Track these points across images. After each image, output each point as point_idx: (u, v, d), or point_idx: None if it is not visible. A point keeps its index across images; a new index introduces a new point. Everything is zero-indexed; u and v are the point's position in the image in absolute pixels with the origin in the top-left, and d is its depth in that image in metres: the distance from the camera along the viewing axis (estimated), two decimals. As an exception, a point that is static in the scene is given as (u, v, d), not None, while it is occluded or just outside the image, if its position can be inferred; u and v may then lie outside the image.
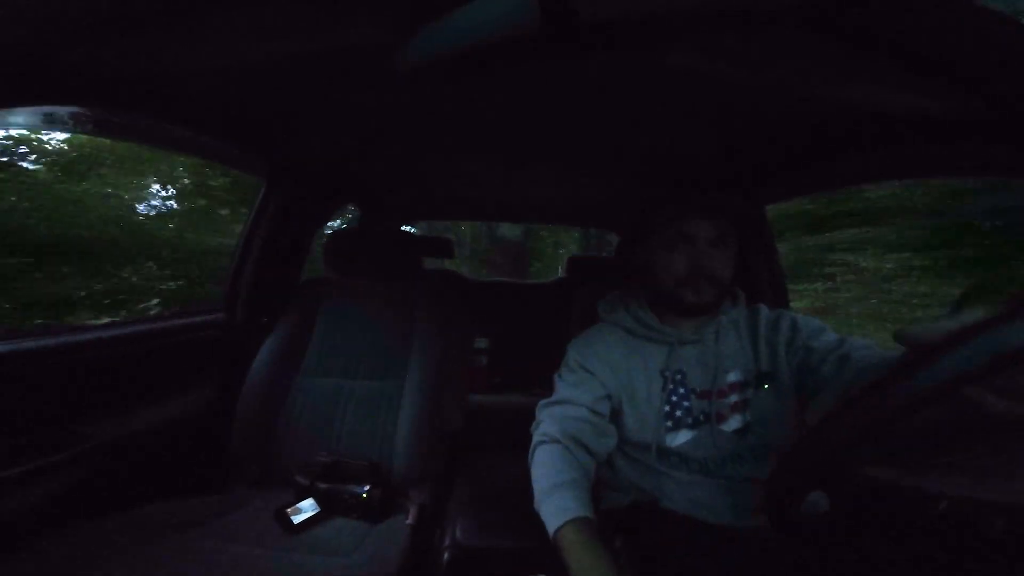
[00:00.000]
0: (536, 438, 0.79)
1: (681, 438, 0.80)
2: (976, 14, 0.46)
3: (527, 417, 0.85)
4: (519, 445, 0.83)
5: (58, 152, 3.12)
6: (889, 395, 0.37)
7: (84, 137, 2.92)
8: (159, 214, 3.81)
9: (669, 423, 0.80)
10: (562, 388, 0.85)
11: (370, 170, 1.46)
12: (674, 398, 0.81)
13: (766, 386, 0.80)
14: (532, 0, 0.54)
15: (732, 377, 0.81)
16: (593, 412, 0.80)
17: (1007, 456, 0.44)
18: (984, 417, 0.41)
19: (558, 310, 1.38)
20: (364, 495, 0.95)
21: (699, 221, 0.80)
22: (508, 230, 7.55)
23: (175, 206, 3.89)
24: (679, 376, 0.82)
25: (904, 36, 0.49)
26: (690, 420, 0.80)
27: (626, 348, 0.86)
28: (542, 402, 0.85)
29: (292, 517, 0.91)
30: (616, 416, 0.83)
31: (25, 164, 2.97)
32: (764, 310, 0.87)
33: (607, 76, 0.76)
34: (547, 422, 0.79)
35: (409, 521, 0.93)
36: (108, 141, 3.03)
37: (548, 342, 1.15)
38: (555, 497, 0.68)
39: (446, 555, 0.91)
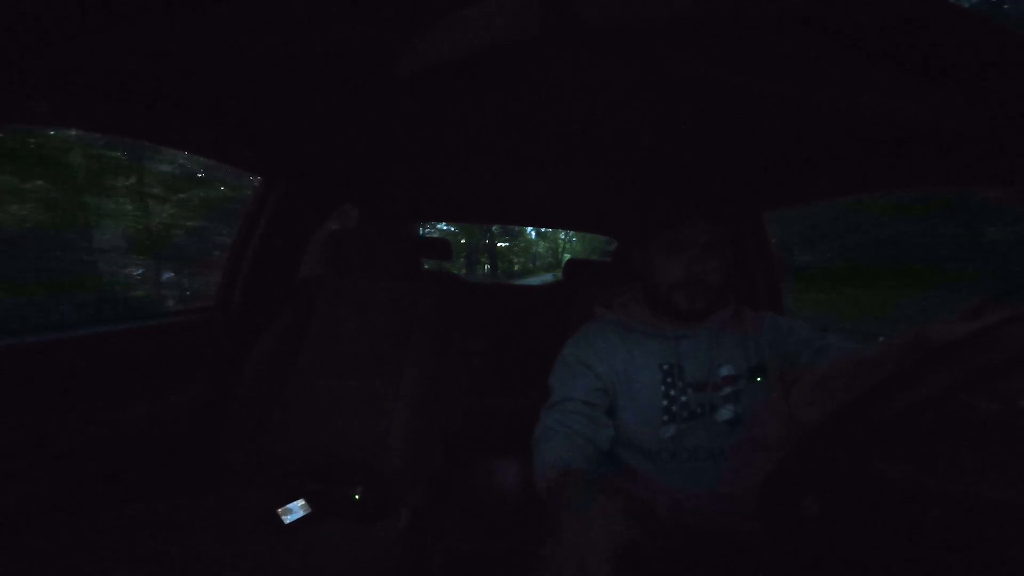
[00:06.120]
0: (536, 433, 0.80)
1: (676, 430, 0.81)
2: (977, 25, 0.46)
3: (524, 420, 0.85)
4: (516, 448, 0.83)
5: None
6: (890, 398, 0.38)
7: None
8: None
9: (666, 417, 0.81)
10: (557, 389, 0.86)
11: (369, 169, 1.46)
12: (672, 392, 0.82)
13: (759, 379, 0.82)
14: (533, 3, 0.54)
15: (725, 371, 0.83)
16: (586, 404, 0.81)
17: (998, 457, 0.45)
18: (977, 420, 0.41)
19: (556, 313, 1.38)
20: (356, 496, 0.94)
21: (694, 226, 0.81)
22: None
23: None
24: (677, 370, 0.83)
25: (904, 45, 0.49)
26: (686, 413, 0.81)
27: (623, 343, 0.88)
28: (543, 408, 0.86)
29: (283, 517, 0.90)
30: (612, 412, 0.84)
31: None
32: (747, 311, 0.91)
33: (608, 80, 0.76)
34: (546, 419, 0.81)
35: (402, 524, 0.92)
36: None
37: (546, 345, 1.14)
38: (551, 455, 0.70)
39: (438, 558, 0.91)
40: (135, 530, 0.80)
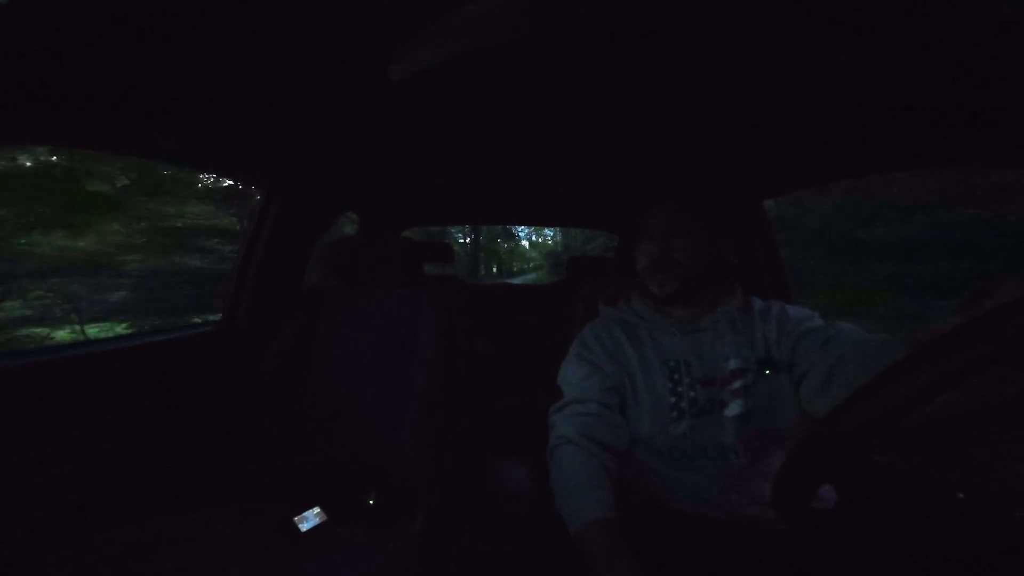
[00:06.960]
0: (552, 441, 0.79)
1: (686, 427, 0.80)
2: (972, 3, 0.46)
3: (533, 421, 0.85)
4: (525, 449, 0.83)
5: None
6: (901, 384, 0.37)
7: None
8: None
9: (675, 413, 0.80)
10: (569, 388, 0.85)
11: (370, 176, 1.47)
12: (680, 388, 0.81)
13: (768, 372, 0.81)
14: (524, 1, 0.55)
15: (732, 364, 0.82)
16: (603, 405, 0.80)
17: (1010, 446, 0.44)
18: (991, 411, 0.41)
19: (561, 311, 1.38)
20: (371, 502, 0.94)
21: (657, 213, 0.84)
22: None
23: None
24: (684, 366, 0.83)
25: (901, 24, 0.49)
26: (695, 409, 0.80)
27: (629, 340, 0.87)
28: (554, 407, 0.85)
29: (299, 526, 0.90)
30: (623, 410, 0.83)
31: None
32: (756, 301, 0.89)
33: (603, 74, 0.76)
34: (561, 424, 0.80)
35: (417, 527, 0.92)
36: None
37: (552, 344, 1.15)
38: (575, 498, 0.68)
39: (455, 562, 0.91)
40: (152, 542, 0.81)
